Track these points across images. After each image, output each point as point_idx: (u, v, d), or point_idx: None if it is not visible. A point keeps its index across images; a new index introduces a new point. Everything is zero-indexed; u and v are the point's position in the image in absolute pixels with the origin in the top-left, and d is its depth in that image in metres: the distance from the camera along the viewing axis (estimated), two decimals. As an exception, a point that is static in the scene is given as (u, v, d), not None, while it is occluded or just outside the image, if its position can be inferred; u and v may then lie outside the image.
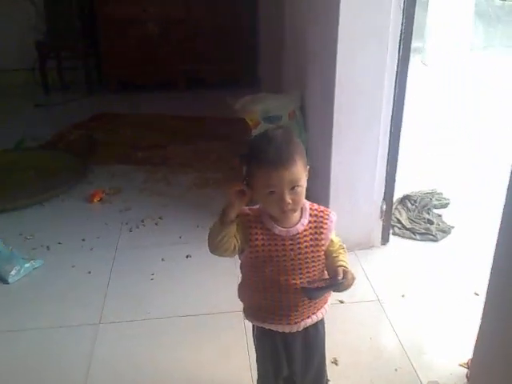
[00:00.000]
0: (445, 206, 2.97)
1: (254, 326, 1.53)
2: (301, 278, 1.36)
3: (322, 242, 1.37)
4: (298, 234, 1.35)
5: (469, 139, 3.91)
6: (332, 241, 1.40)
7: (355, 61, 2.24)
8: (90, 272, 2.44)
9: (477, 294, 2.22)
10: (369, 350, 1.99)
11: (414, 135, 3.61)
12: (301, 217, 1.36)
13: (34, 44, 4.91)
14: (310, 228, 1.36)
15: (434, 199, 2.99)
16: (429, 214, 2.86)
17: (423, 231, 2.70)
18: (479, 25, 6.02)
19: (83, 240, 2.69)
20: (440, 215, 2.87)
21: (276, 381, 1.55)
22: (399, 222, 2.77)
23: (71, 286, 2.36)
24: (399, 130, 2.41)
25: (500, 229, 1.32)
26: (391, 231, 2.68)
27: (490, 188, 3.04)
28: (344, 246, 1.43)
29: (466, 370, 1.85)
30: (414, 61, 5.29)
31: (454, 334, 2.04)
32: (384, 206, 2.53)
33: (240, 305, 2.15)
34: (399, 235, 2.70)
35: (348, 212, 2.47)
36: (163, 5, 4.74)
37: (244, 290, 1.49)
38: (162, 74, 4.98)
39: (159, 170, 3.44)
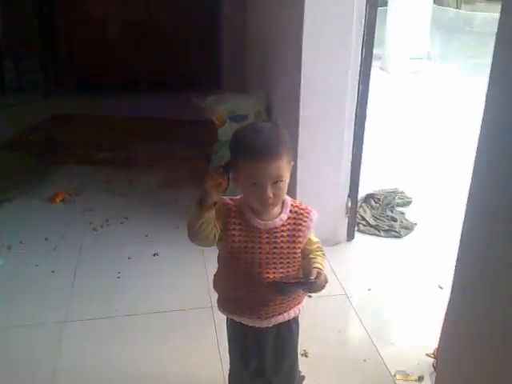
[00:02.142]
0: (407, 204, 3.04)
1: (226, 319, 1.52)
2: (274, 273, 1.36)
3: (300, 239, 1.37)
4: (275, 228, 1.35)
5: (427, 141, 4.02)
6: (310, 240, 1.40)
7: (319, 61, 2.28)
8: (53, 271, 2.38)
9: (441, 288, 2.28)
10: (337, 342, 2.02)
11: (375, 136, 3.69)
12: (281, 212, 1.36)
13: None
14: (289, 224, 1.36)
15: (396, 197, 3.06)
16: (392, 211, 2.93)
17: (387, 228, 2.76)
18: (436, 34, 6.21)
19: (46, 239, 2.62)
20: (403, 213, 2.94)
21: (247, 374, 1.55)
22: (364, 219, 2.82)
23: (34, 285, 2.29)
24: (363, 128, 2.46)
25: (464, 222, 1.35)
26: (356, 228, 2.72)
27: (449, 186, 3.15)
28: (323, 249, 1.42)
29: (432, 360, 1.89)
30: (374, 67, 5.43)
31: (420, 326, 2.09)
32: (349, 203, 2.57)
33: (209, 301, 2.18)
34: (364, 232, 2.75)
35: (314, 209, 2.50)
36: (124, 6, 4.70)
37: (219, 281, 1.48)
38: (122, 75, 4.92)
39: (121, 170, 3.39)
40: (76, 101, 4.73)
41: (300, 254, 1.39)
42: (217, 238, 1.34)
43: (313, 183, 2.47)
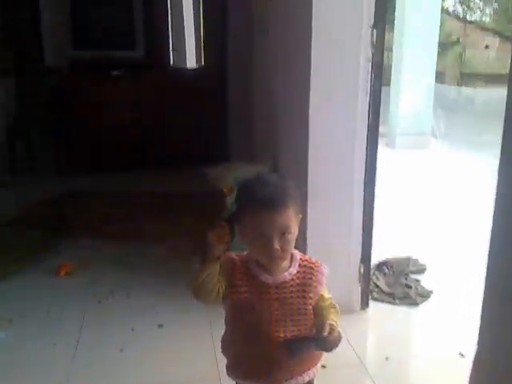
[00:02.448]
0: (422, 271, 2.94)
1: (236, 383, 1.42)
2: (285, 331, 1.28)
3: (310, 294, 1.30)
4: (284, 282, 1.29)
5: (437, 211, 3.97)
6: (322, 296, 1.33)
7: (327, 125, 2.30)
8: (55, 344, 2.28)
9: (462, 355, 2.15)
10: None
11: (384, 206, 3.65)
12: (289, 266, 1.31)
13: (3, 127, 4.91)
14: (298, 278, 1.30)
15: (410, 265, 2.97)
16: (406, 279, 2.83)
17: (402, 295, 2.65)
18: (439, 111, 6.34)
19: (48, 312, 2.53)
20: (418, 280, 2.83)
21: None
22: (377, 286, 2.72)
23: (35, 358, 2.19)
24: (373, 193, 2.43)
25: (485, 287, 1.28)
26: (370, 296, 2.62)
27: (463, 253, 3.07)
28: (337, 306, 1.35)
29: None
30: (380, 144, 5.50)
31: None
32: (362, 269, 2.49)
33: (217, 373, 2.05)
34: (378, 300, 2.64)
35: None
36: (135, 89, 4.85)
37: (226, 343, 1.39)
38: (132, 155, 5.00)
39: (130, 243, 3.34)
40: (86, 179, 4.78)
41: (311, 312, 1.31)
42: (221, 294, 1.27)
43: (324, 249, 2.39)
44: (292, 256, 1.31)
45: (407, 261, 3.01)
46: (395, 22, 6.45)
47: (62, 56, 4.82)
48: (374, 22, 2.09)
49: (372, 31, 2.10)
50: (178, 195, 4.20)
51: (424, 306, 2.60)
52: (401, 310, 2.57)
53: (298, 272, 1.30)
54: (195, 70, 4.88)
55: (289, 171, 2.72)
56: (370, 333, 2.38)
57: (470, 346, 1.53)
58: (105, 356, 2.20)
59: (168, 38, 4.71)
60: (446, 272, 2.94)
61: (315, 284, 1.30)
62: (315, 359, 1.35)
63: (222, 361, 2.04)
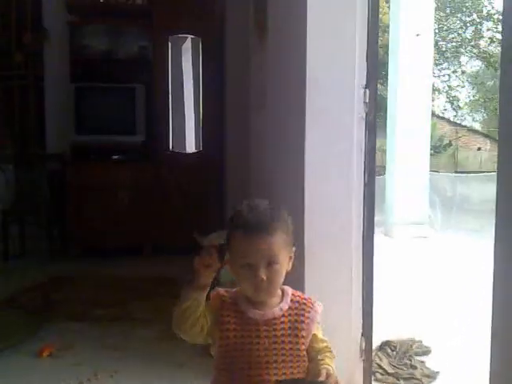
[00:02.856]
0: (426, 353, 2.78)
1: None
2: (276, 375, 1.18)
3: (303, 333, 1.22)
4: (274, 318, 1.22)
5: (436, 296, 3.85)
6: (316, 337, 1.26)
7: (321, 186, 2.27)
8: (28, 427, 2.08)
9: None
10: None
11: (385, 288, 3.54)
12: (280, 301, 1.24)
13: (-1, 214, 4.88)
14: (290, 315, 1.23)
15: (414, 346, 2.81)
16: (411, 360, 2.65)
17: (407, 376, 2.48)
18: (435, 199, 6.38)
19: (25, 394, 2.34)
20: (423, 362, 2.66)
21: None
22: (380, 367, 2.55)
23: None
24: (371, 259, 2.34)
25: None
26: (373, 378, 2.44)
27: (469, 335, 2.92)
28: (331, 349, 1.26)
29: None
30: (377, 232, 5.47)
31: None
32: (363, 344, 2.34)
33: None
34: (382, 381, 2.46)
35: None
36: (133, 172, 4.88)
37: None
38: (127, 240, 4.93)
39: (117, 325, 3.18)
40: (78, 264, 4.69)
41: (305, 353, 1.21)
42: (205, 331, 1.19)
43: (322, 322, 2.28)
44: (283, 291, 1.25)
45: (411, 342, 2.85)
46: (387, 124, 6.66)
47: (64, 142, 4.90)
48: (367, 82, 2.13)
49: (365, 91, 2.14)
50: (171, 280, 4.08)
51: (431, 388, 2.42)
52: (406, 392, 2.38)
53: (289, 308, 1.23)
54: (194, 154, 4.95)
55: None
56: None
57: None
58: None
59: (168, 123, 4.82)
60: (451, 354, 2.77)
61: (307, 321, 1.23)
62: None
63: None
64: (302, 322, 1.22)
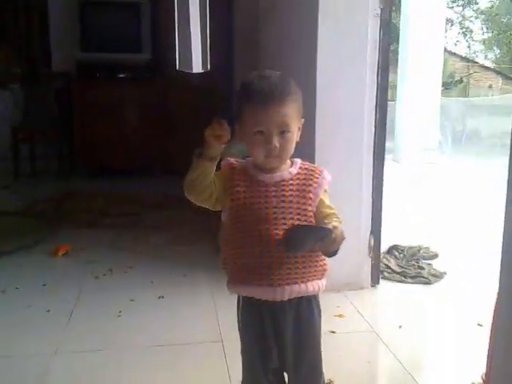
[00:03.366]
0: (433, 257, 2.82)
1: (238, 305, 1.30)
2: (283, 230, 1.19)
3: (310, 195, 1.23)
4: (283, 180, 1.23)
5: (449, 209, 3.87)
6: (323, 201, 1.25)
7: (333, 87, 2.24)
8: (48, 310, 2.16)
9: (480, 325, 2.01)
10: (367, 372, 1.75)
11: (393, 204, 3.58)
12: (290, 167, 1.25)
13: (8, 132, 4.87)
14: (298, 179, 1.24)
15: (421, 251, 2.85)
16: (418, 262, 2.70)
17: (414, 274, 2.53)
18: (446, 124, 6.30)
19: (44, 285, 2.42)
20: (430, 264, 2.71)
21: (264, 375, 1.29)
22: (388, 267, 2.60)
23: (27, 322, 2.07)
24: (382, 161, 2.35)
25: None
26: (380, 276, 2.50)
27: (477, 243, 2.96)
28: (339, 217, 1.27)
29: (481, 387, 1.59)
30: (387, 159, 5.45)
31: (461, 358, 1.82)
32: (372, 241, 2.38)
33: (219, 335, 1.93)
34: (389, 279, 2.52)
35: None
36: (140, 91, 4.82)
37: (225, 253, 1.29)
38: (136, 159, 4.94)
39: (129, 231, 3.24)
40: (88, 183, 4.73)
41: (312, 215, 1.22)
42: (214, 198, 1.21)
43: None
44: (292, 160, 1.26)
45: (418, 247, 2.89)
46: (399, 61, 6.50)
47: (69, 60, 4.83)
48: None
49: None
50: (177, 196, 4.11)
51: (438, 285, 2.48)
52: (413, 288, 2.44)
53: (298, 173, 1.24)
54: (202, 73, 4.86)
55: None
56: (381, 305, 2.26)
57: (489, 318, 1.44)
58: (101, 321, 2.09)
59: (174, 42, 4.71)
60: (459, 258, 2.82)
61: (315, 185, 1.24)
62: (318, 270, 1.25)
63: (224, 324, 1.97)
64: (310, 185, 1.23)
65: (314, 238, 1.16)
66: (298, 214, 1.22)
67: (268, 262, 1.20)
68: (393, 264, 2.63)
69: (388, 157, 6.03)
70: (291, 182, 1.23)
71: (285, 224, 1.20)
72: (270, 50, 3.27)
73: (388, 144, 6.29)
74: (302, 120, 1.24)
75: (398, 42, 7.26)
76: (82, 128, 4.89)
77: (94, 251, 2.87)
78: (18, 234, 3.11)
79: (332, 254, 1.19)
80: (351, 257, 2.37)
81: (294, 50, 2.65)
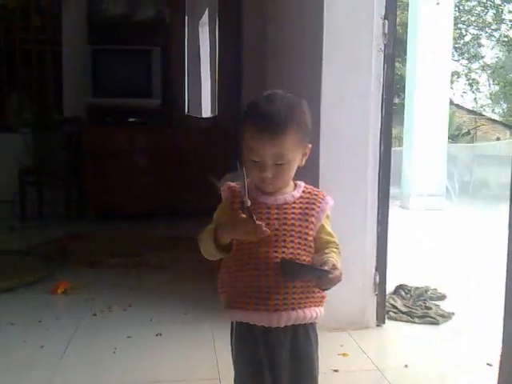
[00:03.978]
0: (441, 298, 2.74)
1: (232, 333, 1.26)
2: (283, 253, 1.16)
3: (312, 219, 1.20)
4: (286, 203, 1.20)
5: (456, 254, 3.80)
6: (324, 227, 1.22)
7: (337, 112, 2.24)
8: (42, 346, 2.10)
9: (490, 365, 1.92)
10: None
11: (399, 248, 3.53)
12: (293, 191, 1.23)
13: (17, 175, 4.92)
14: (301, 203, 1.21)
15: (429, 292, 2.77)
16: (425, 303, 2.62)
17: (422, 314, 2.45)
18: (453, 170, 6.29)
19: (39, 322, 2.36)
20: (437, 305, 2.63)
21: None
22: (395, 307, 2.52)
23: (19, 357, 2.00)
24: (387, 193, 2.32)
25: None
26: (386, 316, 2.42)
27: (484, 286, 2.88)
28: (339, 246, 1.23)
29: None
30: (393, 205, 5.42)
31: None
32: (377, 278, 2.32)
33: (218, 372, 1.85)
34: (395, 319, 2.43)
35: (338, 284, 2.25)
36: (149, 136, 4.88)
37: (222, 276, 1.26)
38: (143, 203, 4.94)
39: (131, 271, 3.20)
40: (94, 225, 4.73)
41: (312, 239, 1.19)
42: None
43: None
44: (296, 183, 1.24)
45: (425, 288, 2.81)
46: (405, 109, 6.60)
47: (80, 105, 4.92)
48: (385, 13, 2.10)
49: (384, 22, 2.10)
50: (184, 238, 4.09)
51: (445, 325, 2.39)
52: (420, 328, 2.36)
53: (301, 197, 1.21)
54: (209, 118, 4.94)
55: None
56: (386, 344, 2.17)
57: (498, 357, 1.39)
58: (96, 357, 2.02)
59: (184, 88, 4.82)
60: (467, 300, 2.73)
61: (318, 210, 1.21)
62: (316, 297, 1.20)
63: (223, 362, 1.90)
64: (313, 209, 1.20)
65: (311, 275, 1.13)
66: (299, 237, 1.18)
67: (265, 285, 1.16)
68: (399, 304, 2.55)
69: (395, 203, 6.05)
70: (294, 205, 1.20)
71: (285, 247, 1.17)
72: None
73: (395, 190, 6.31)
74: (310, 145, 1.20)
75: (404, 93, 7.39)
76: (91, 172, 4.93)
77: (95, 289, 2.82)
78: (19, 271, 3.08)
79: (326, 288, 1.15)
80: (356, 294, 2.31)
81: (298, 87, 2.67)
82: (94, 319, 2.41)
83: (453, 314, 2.50)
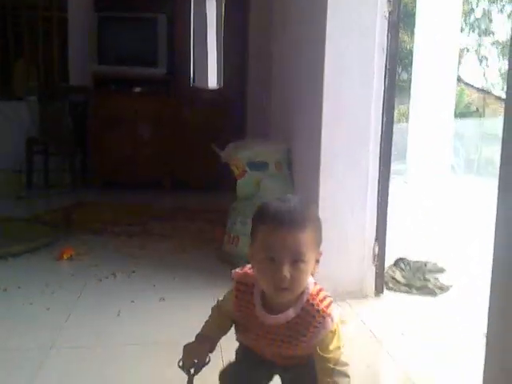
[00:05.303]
0: (440, 271, 2.77)
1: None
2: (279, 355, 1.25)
3: (303, 337, 1.18)
4: (278, 325, 1.19)
5: (459, 224, 3.83)
6: (326, 346, 1.17)
7: (342, 95, 2.25)
8: (48, 308, 2.15)
9: (486, 335, 1.96)
10: (365, 376, 1.69)
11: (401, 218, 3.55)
12: (294, 303, 1.17)
13: (23, 144, 4.95)
14: (295, 323, 1.17)
15: (428, 265, 2.81)
16: (424, 275, 2.66)
17: (420, 286, 2.49)
18: (460, 147, 6.28)
19: (46, 285, 2.42)
20: (436, 278, 2.66)
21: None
22: (393, 278, 2.56)
23: (26, 318, 2.06)
24: (389, 165, 2.33)
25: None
26: (385, 286, 2.46)
27: (484, 259, 2.89)
28: (346, 369, 1.19)
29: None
30: (398, 181, 5.44)
31: (464, 363, 1.76)
32: (376, 249, 2.35)
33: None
34: (394, 290, 2.48)
35: (338, 254, 2.29)
36: (156, 105, 4.88)
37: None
38: (147, 173, 4.98)
39: (135, 239, 3.25)
40: (99, 195, 4.78)
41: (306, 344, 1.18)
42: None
43: (336, 224, 2.29)
44: (302, 292, 1.17)
45: (425, 261, 2.85)
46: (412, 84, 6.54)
47: (86, 74, 4.92)
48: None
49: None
50: (187, 209, 4.13)
51: (443, 297, 2.43)
52: (418, 299, 2.40)
53: (297, 316, 1.17)
54: (215, 89, 4.93)
55: (302, 151, 2.65)
56: (384, 313, 2.21)
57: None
58: (100, 319, 2.07)
59: (190, 58, 4.80)
60: (466, 274, 2.77)
61: (310, 335, 1.17)
62: None
63: None
64: (304, 335, 1.17)
65: None
66: (290, 349, 1.21)
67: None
68: (398, 275, 2.59)
69: (400, 179, 6.05)
70: (286, 325, 1.18)
71: (280, 353, 1.23)
72: (281, 61, 3.30)
73: (400, 166, 6.29)
74: (321, 252, 1.17)
75: (411, 68, 7.31)
76: (96, 141, 4.95)
77: (99, 256, 2.87)
78: (25, 238, 3.12)
79: None
80: (355, 264, 2.35)
81: (301, 55, 2.67)
82: (98, 284, 2.47)
83: (451, 286, 2.54)
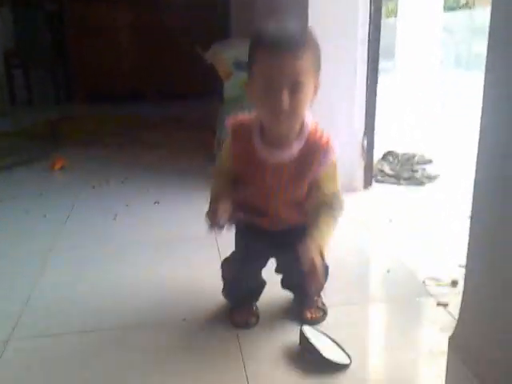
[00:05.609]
0: (428, 162, 2.82)
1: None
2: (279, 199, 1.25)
3: (309, 175, 1.20)
4: (282, 163, 1.19)
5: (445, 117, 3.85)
6: (322, 184, 1.22)
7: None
8: (45, 215, 2.19)
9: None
10: (355, 255, 1.79)
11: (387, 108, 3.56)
12: (296, 139, 1.17)
13: (1, 57, 4.80)
14: (299, 160, 1.18)
15: (416, 158, 2.85)
16: (412, 166, 2.71)
17: (408, 176, 2.54)
18: (449, 42, 6.15)
19: (40, 194, 2.45)
20: (424, 168, 2.72)
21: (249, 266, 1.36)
22: (382, 171, 2.61)
23: (23, 226, 2.11)
24: (377, 60, 2.30)
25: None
26: (373, 179, 2.51)
27: (471, 148, 2.94)
28: (336, 204, 1.26)
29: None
30: (385, 78, 5.36)
31: (450, 244, 1.84)
32: (365, 142, 2.38)
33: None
34: (382, 182, 2.53)
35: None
36: (135, 13, 4.70)
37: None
38: (131, 84, 4.89)
39: (126, 148, 3.26)
40: (85, 108, 4.72)
41: (305, 187, 1.22)
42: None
43: (324, 117, 2.28)
44: (302, 127, 1.17)
45: (413, 154, 2.89)
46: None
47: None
48: None
49: None
50: (174, 118, 4.11)
51: (431, 186, 2.50)
52: (406, 189, 2.46)
53: (300, 150, 1.17)
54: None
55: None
56: (372, 203, 2.28)
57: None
58: (97, 223, 2.12)
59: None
60: (453, 164, 2.82)
61: (314, 167, 1.19)
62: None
63: None
64: (310, 170, 1.19)
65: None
66: (294, 191, 1.23)
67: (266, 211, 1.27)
68: (386, 168, 2.64)
69: (386, 76, 5.98)
70: (290, 164, 1.18)
71: (278, 196, 1.23)
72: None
73: (388, 63, 6.19)
74: (319, 77, 1.13)
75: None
76: (75, 53, 4.81)
77: (91, 166, 2.90)
78: (14, 151, 3.13)
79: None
80: (344, 157, 2.35)
81: None
82: (92, 191, 2.51)
83: (438, 175, 2.60)
